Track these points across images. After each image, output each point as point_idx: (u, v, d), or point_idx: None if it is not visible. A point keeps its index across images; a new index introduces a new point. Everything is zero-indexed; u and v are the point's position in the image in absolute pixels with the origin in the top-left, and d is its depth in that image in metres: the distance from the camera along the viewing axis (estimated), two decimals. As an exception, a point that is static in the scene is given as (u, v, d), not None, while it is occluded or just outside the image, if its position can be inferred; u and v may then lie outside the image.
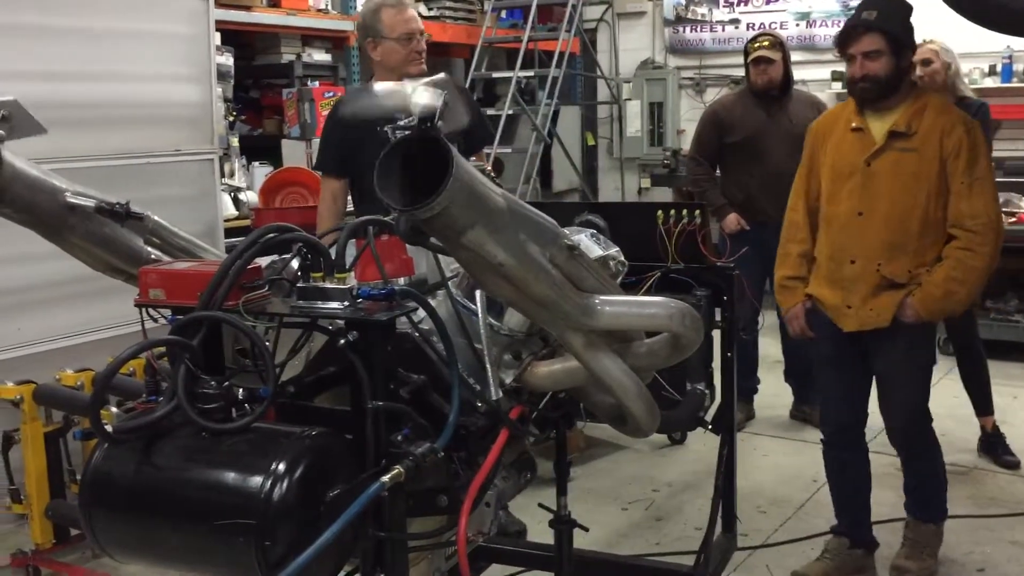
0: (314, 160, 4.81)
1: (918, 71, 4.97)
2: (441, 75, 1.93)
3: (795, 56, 5.76)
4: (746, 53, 5.60)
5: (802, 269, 3.83)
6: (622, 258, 2.73)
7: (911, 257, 3.58)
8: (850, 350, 3.75)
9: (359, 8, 7.40)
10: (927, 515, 3.93)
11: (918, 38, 5.03)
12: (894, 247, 3.58)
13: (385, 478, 1.99)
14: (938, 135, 3.53)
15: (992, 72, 8.47)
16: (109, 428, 2.08)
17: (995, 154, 5.56)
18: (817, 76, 8.84)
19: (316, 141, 6.80)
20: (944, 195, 3.54)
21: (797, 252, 3.84)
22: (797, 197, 3.86)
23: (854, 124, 3.66)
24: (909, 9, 3.66)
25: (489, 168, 4.42)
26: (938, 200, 3.54)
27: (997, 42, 7.65)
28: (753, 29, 9.27)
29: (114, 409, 2.29)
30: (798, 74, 5.77)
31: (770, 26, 9.41)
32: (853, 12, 3.73)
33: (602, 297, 2.25)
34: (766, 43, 5.51)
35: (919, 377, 3.74)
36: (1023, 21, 3.34)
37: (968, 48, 5.11)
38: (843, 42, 3.61)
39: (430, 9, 8.70)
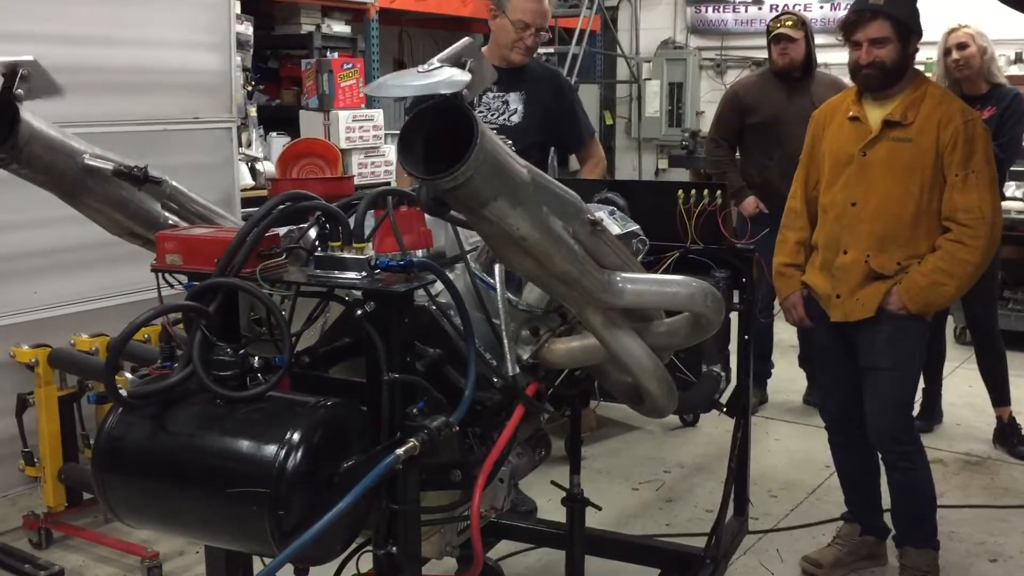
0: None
1: (954, 55, 4.90)
2: (466, 39, 1.89)
3: (819, 39, 5.70)
4: (768, 32, 5.55)
5: (799, 256, 3.79)
6: (643, 236, 2.71)
7: (902, 249, 3.51)
8: (840, 340, 3.71)
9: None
10: (921, 539, 3.76)
11: (952, 22, 5.02)
12: (885, 239, 3.51)
13: (400, 451, 1.97)
14: (935, 126, 3.44)
15: (1018, 59, 8.40)
16: (124, 393, 2.07)
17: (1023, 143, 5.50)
18: (841, 60, 8.72)
19: (333, 113, 6.82)
20: (939, 187, 3.46)
21: (794, 239, 3.80)
22: (797, 185, 3.83)
23: (852, 113, 3.60)
24: None
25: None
26: (932, 192, 3.46)
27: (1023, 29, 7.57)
28: (776, 10, 9.20)
29: (128, 375, 2.29)
30: (822, 58, 5.71)
31: (794, 8, 9.33)
32: None
33: (623, 275, 2.22)
34: (789, 22, 5.45)
35: (901, 372, 3.59)
36: None
37: (993, 35, 5.04)
38: (849, 28, 3.53)
39: (451, -18, 8.66)
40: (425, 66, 1.77)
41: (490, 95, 4.20)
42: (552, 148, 4.38)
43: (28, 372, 4.03)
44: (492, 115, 4.16)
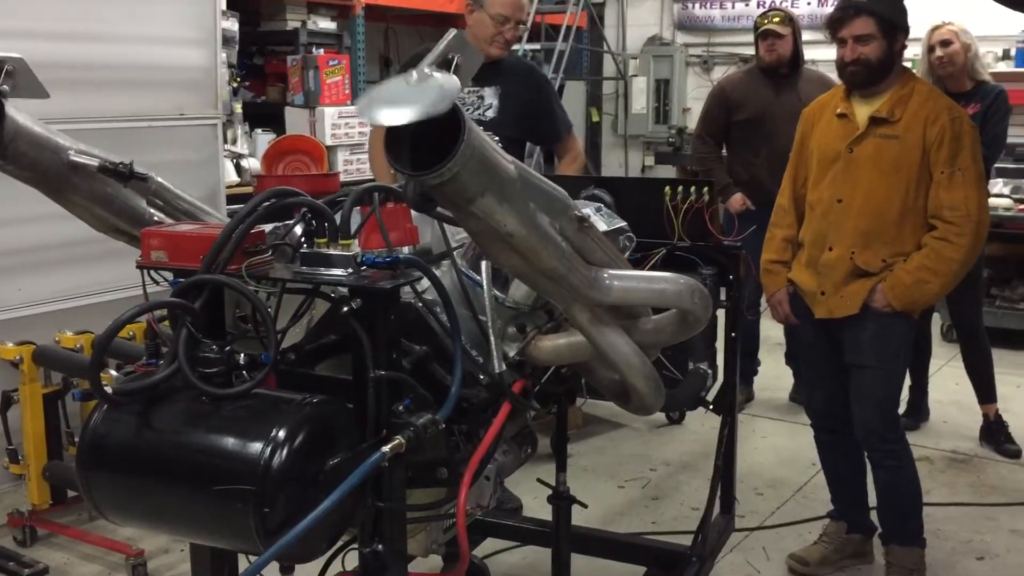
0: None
1: (937, 52, 4.91)
2: (452, 32, 1.87)
3: (807, 36, 5.71)
4: (755, 28, 5.56)
5: (785, 254, 3.80)
6: (630, 233, 2.71)
7: (888, 246, 3.51)
8: (826, 337, 3.71)
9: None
10: (907, 537, 3.76)
11: (935, 19, 5.02)
12: (869, 235, 3.52)
13: (386, 448, 1.96)
14: (921, 123, 3.45)
15: (1006, 56, 8.42)
16: (108, 390, 2.05)
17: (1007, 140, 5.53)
18: (829, 56, 8.75)
19: (319, 110, 6.80)
20: (925, 184, 3.47)
21: (781, 236, 3.81)
22: (787, 182, 3.84)
23: (840, 110, 3.61)
24: None
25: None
26: (919, 189, 3.47)
27: (1011, 26, 7.60)
28: (763, 7, 9.22)
29: (113, 372, 2.27)
30: (810, 54, 5.72)
31: (781, 4, 9.34)
32: None
33: (611, 271, 2.22)
34: (776, 19, 5.45)
35: (886, 369, 3.60)
36: None
37: (981, 32, 5.06)
38: (834, 25, 3.55)
39: (437, -21, 8.64)
40: (415, 74, 1.74)
41: (464, 90, 4.18)
42: (539, 146, 4.36)
43: (12, 369, 4.01)
44: (466, 110, 4.14)
